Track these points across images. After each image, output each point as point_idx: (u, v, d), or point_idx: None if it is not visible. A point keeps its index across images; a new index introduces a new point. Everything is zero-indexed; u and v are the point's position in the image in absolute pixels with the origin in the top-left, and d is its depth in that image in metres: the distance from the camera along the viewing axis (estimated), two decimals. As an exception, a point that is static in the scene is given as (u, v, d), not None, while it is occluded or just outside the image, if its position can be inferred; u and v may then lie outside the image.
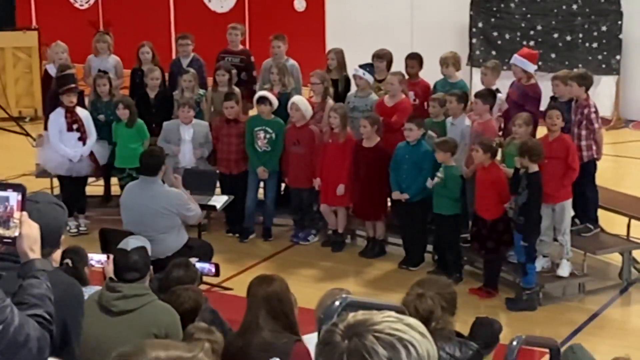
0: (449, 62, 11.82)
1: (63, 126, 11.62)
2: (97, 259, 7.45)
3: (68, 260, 6.88)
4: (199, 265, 7.72)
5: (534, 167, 9.63)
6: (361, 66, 11.64)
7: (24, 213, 3.70)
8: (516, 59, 11.30)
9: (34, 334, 3.58)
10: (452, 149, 10.23)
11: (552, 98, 11.01)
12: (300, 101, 11.42)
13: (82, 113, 11.77)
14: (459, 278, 10.16)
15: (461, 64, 12.27)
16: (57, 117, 11.64)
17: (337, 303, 3.18)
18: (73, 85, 11.73)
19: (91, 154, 11.79)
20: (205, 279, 9.29)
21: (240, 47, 13.53)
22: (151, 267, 7.31)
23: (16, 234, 3.68)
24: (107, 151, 11.94)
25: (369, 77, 11.62)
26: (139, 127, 11.68)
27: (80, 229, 11.75)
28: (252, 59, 13.30)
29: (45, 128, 12.28)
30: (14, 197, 3.69)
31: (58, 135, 11.64)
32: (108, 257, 7.38)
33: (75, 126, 11.63)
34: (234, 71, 12.46)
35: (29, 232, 3.70)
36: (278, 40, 12.87)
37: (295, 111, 11.31)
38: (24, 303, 3.64)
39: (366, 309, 2.57)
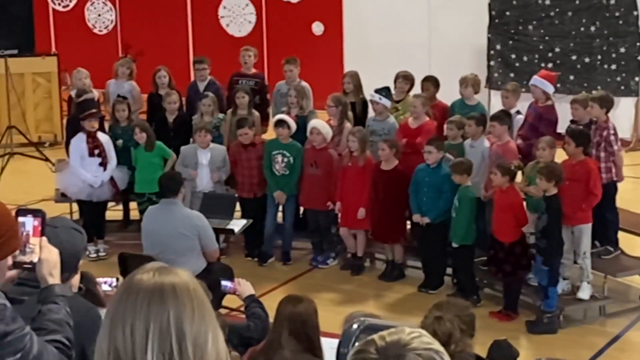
0: (469, 83, 11.83)
1: (84, 151, 11.66)
2: (104, 280, 7.35)
3: (81, 286, 6.86)
4: (223, 283, 7.68)
5: (553, 190, 9.60)
6: (377, 91, 11.63)
7: (44, 238, 3.71)
8: (536, 79, 11.30)
9: (53, 360, 3.57)
10: (468, 169, 10.22)
11: (572, 122, 10.98)
12: (321, 125, 11.41)
13: (103, 138, 11.82)
14: (476, 300, 10.12)
15: (480, 87, 12.27)
16: (79, 142, 11.68)
17: (355, 326, 3.16)
18: (94, 111, 11.79)
19: (111, 178, 11.82)
20: (224, 302, 9.28)
21: (254, 70, 13.59)
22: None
23: (35, 259, 3.68)
24: (126, 176, 11.97)
25: (385, 102, 11.62)
26: (160, 148, 11.71)
27: (100, 254, 11.77)
28: (266, 81, 13.35)
29: (66, 153, 12.31)
30: (29, 223, 3.69)
31: (79, 161, 11.68)
32: (117, 280, 7.34)
33: (96, 151, 11.66)
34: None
35: (48, 257, 3.70)
36: (290, 64, 12.93)
37: (317, 135, 11.31)
38: (43, 329, 3.63)
39: None
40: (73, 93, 13.36)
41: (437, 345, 2.47)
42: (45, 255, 3.70)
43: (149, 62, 14.71)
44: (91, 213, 11.87)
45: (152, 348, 2.66)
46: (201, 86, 13.12)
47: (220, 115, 12.33)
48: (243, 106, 12.19)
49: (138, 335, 2.66)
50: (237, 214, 11.39)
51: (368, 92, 12.09)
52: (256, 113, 12.31)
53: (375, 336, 2.49)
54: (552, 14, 16.70)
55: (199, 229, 9.56)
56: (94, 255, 11.65)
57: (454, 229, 10.31)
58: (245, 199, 11.53)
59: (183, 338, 2.68)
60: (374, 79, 12.33)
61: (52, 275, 3.73)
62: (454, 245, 10.31)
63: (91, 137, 11.65)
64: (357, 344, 2.57)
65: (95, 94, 12.66)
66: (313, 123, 11.50)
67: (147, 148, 11.67)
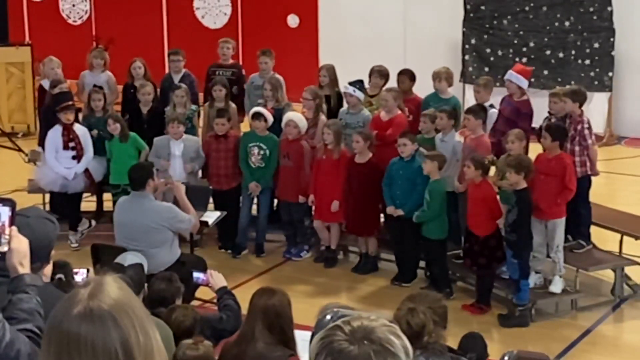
0: (442, 76, 11.83)
1: (59, 144, 11.61)
2: (76, 271, 7.32)
3: (61, 276, 6.85)
4: (195, 275, 7.69)
5: (522, 184, 9.63)
6: (351, 83, 11.62)
7: (14, 227, 3.69)
8: (511, 74, 11.32)
9: (25, 349, 3.56)
10: (442, 162, 10.24)
11: (549, 114, 11.01)
12: (298, 118, 11.40)
13: (80, 130, 11.76)
14: (449, 293, 10.15)
15: (454, 80, 12.29)
16: (55, 134, 11.63)
17: (328, 317, 3.17)
18: (70, 103, 11.73)
19: (86, 170, 11.77)
20: (197, 294, 9.27)
21: (231, 61, 13.58)
22: (146, 284, 7.30)
23: (6, 249, 3.66)
24: (102, 167, 11.91)
25: (359, 94, 11.62)
26: (134, 140, 11.67)
27: (72, 244, 11.71)
28: (244, 72, 13.35)
29: (39, 143, 12.22)
30: (5, 213, 3.67)
31: (54, 153, 11.63)
32: (88, 271, 7.33)
33: (71, 144, 11.62)
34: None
35: (18, 247, 3.68)
36: (265, 56, 12.93)
37: (293, 128, 11.30)
38: (14, 318, 3.62)
39: None
40: (44, 83, 13.28)
41: (395, 326, 2.55)
42: (15, 244, 3.68)
43: (123, 54, 14.64)
44: (63, 205, 11.81)
45: None
46: (176, 78, 13.09)
47: (193, 107, 12.32)
48: (220, 99, 12.19)
49: None
50: (211, 205, 11.38)
51: (341, 86, 12.09)
52: (233, 105, 12.29)
53: (338, 322, 2.54)
54: (526, 8, 16.75)
55: (169, 221, 9.53)
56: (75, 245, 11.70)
57: (426, 223, 10.32)
58: (218, 190, 11.50)
59: None
60: (349, 73, 12.33)
61: (22, 264, 3.71)
62: (427, 238, 10.32)
63: (67, 130, 11.60)
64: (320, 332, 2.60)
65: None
66: (289, 115, 11.49)
67: (121, 139, 11.63)
